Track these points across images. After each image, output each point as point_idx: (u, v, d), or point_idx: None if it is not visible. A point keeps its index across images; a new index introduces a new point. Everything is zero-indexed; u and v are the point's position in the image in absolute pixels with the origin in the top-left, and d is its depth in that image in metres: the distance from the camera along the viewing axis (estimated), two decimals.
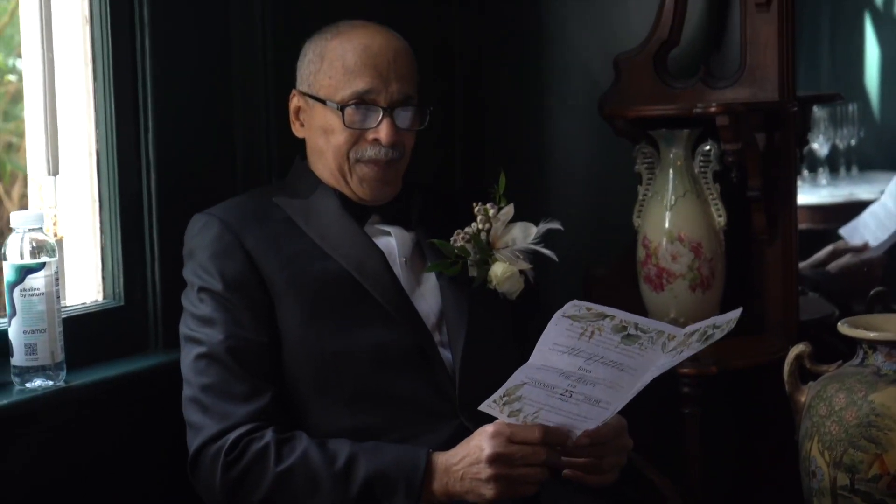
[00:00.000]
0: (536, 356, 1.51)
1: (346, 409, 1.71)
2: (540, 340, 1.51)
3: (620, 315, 1.50)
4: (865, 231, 3.54)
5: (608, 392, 1.52)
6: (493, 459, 1.49)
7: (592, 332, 1.49)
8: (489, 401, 1.51)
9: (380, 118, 1.76)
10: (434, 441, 1.63)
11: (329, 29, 1.85)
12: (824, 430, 1.92)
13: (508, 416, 1.53)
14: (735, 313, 1.57)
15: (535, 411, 1.52)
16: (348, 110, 1.75)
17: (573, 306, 1.48)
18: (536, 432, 1.51)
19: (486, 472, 1.50)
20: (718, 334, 1.54)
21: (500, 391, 1.50)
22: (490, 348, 1.81)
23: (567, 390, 1.51)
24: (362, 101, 1.76)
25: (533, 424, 1.53)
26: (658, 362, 1.51)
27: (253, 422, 1.62)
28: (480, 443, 1.53)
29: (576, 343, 1.49)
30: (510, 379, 1.49)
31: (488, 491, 1.51)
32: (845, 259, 3.36)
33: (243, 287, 1.71)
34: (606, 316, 1.49)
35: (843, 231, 3.63)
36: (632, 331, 1.49)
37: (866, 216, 3.60)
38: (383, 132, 1.75)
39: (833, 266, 3.36)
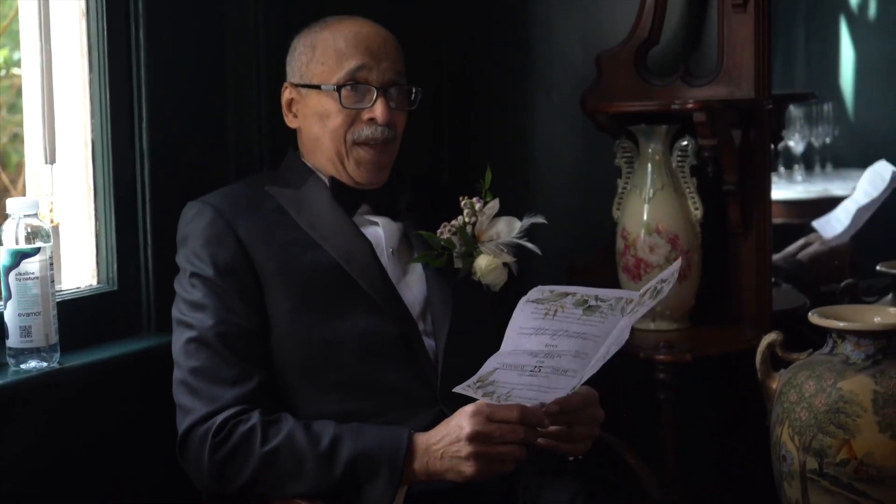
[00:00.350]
0: (507, 343, 1.51)
1: (332, 396, 1.70)
2: (508, 328, 1.52)
3: (581, 291, 1.51)
4: (837, 225, 3.55)
5: (574, 361, 1.52)
6: (473, 437, 1.50)
7: (556, 311, 1.50)
8: (464, 385, 1.51)
9: (374, 97, 1.76)
10: (415, 428, 1.63)
11: (317, 23, 1.85)
12: (794, 415, 1.92)
13: (483, 396, 1.53)
14: (676, 265, 1.58)
15: (507, 391, 1.53)
16: (344, 91, 1.75)
17: (537, 291, 1.49)
18: (515, 412, 1.52)
19: (465, 449, 1.50)
20: (666, 288, 1.54)
21: (474, 378, 1.50)
22: (473, 338, 1.81)
23: (536, 366, 1.51)
24: (356, 80, 1.76)
25: (511, 404, 1.53)
26: (619, 325, 1.51)
27: (240, 405, 1.62)
28: (460, 422, 1.53)
29: (541, 323, 1.50)
30: (482, 368, 1.50)
31: (468, 468, 1.51)
32: (814, 248, 3.39)
33: (234, 274, 1.70)
34: (568, 294, 1.49)
35: (816, 224, 3.64)
36: (592, 302, 1.50)
37: (839, 211, 3.61)
38: (378, 111, 1.76)
39: (803, 255, 3.39)
